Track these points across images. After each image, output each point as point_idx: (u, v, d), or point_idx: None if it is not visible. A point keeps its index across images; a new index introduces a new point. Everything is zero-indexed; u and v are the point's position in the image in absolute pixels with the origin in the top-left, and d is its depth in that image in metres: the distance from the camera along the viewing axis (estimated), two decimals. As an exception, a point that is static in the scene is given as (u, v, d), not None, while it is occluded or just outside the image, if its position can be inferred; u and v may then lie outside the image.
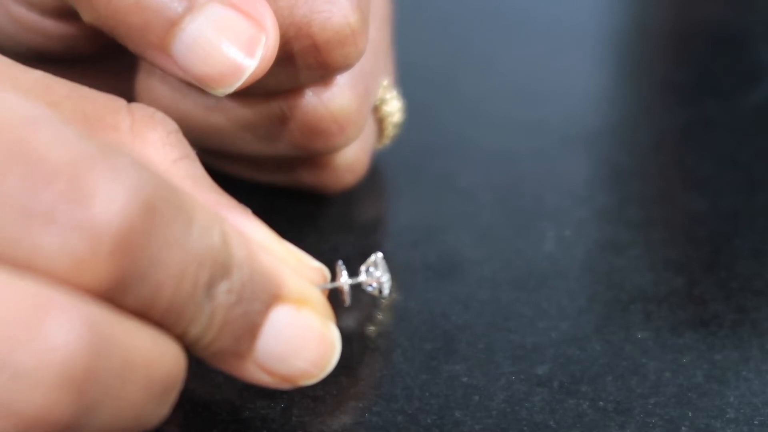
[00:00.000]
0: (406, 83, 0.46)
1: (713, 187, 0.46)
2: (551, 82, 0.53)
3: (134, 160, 0.27)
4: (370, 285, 0.37)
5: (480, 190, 0.46)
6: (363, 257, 0.37)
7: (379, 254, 0.36)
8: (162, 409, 0.28)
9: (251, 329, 0.30)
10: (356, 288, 0.37)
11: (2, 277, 0.25)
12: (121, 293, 0.27)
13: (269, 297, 0.30)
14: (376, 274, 0.36)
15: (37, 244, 0.25)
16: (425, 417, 0.35)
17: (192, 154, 0.33)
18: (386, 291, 0.37)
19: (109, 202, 0.26)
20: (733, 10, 0.60)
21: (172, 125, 0.32)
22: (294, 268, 0.32)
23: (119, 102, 0.32)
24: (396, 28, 0.45)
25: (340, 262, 0.36)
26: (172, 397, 0.29)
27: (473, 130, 0.49)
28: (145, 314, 0.28)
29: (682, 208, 0.45)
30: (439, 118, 0.50)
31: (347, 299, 0.36)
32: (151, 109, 0.32)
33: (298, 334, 0.31)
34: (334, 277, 0.35)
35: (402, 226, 0.44)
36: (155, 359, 0.27)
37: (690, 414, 0.35)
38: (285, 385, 0.32)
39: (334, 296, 0.35)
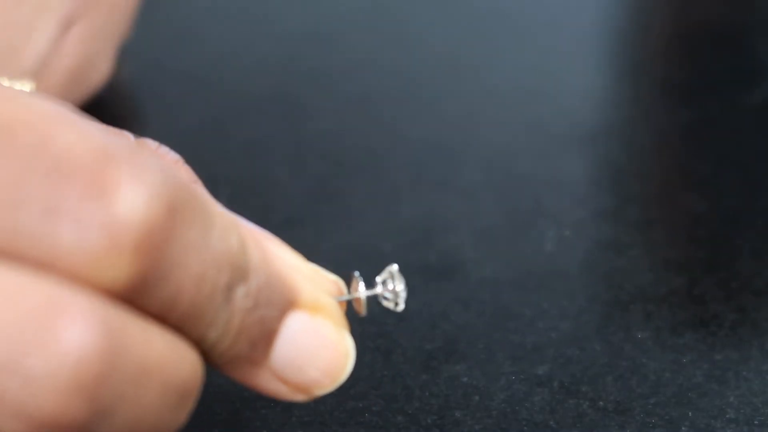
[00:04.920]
0: (406, 83, 0.46)
1: (713, 187, 0.46)
2: (551, 82, 0.53)
3: (157, 159, 0.27)
4: (386, 297, 0.36)
5: (480, 190, 0.45)
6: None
7: (395, 266, 0.36)
8: (179, 417, 0.28)
9: (267, 335, 0.30)
10: (371, 300, 0.36)
11: (17, 276, 0.25)
12: (141, 294, 0.26)
13: (285, 302, 0.30)
14: (392, 286, 0.36)
15: (57, 241, 0.25)
16: (425, 417, 0.35)
17: (194, 179, 0.33)
18: (402, 304, 0.36)
19: (132, 199, 0.26)
20: (733, 10, 0.60)
21: (174, 157, 0.33)
22: (309, 277, 0.32)
23: (125, 135, 0.32)
24: (396, 27, 0.45)
25: (356, 274, 0.36)
26: (190, 404, 0.28)
27: (473, 130, 0.49)
28: (163, 318, 0.27)
29: (682, 208, 0.45)
30: (439, 118, 0.50)
31: (363, 310, 0.35)
32: (154, 144, 0.33)
33: (313, 342, 0.31)
34: (349, 287, 0.35)
35: (402, 226, 0.44)
36: (172, 365, 0.27)
37: (690, 414, 0.35)
38: (299, 396, 0.31)
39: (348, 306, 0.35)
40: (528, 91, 0.53)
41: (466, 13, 0.59)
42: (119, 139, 0.27)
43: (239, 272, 0.28)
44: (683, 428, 0.35)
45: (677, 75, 0.55)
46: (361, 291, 0.35)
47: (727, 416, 0.35)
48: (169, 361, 0.27)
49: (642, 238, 0.43)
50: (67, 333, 0.25)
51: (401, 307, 0.36)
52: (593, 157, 0.49)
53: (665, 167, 0.49)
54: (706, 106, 0.51)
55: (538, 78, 0.54)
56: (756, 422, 0.35)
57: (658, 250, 0.43)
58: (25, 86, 0.43)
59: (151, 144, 0.32)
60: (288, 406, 0.35)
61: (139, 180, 0.26)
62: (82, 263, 0.25)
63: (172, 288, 0.27)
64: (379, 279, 0.36)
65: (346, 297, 0.34)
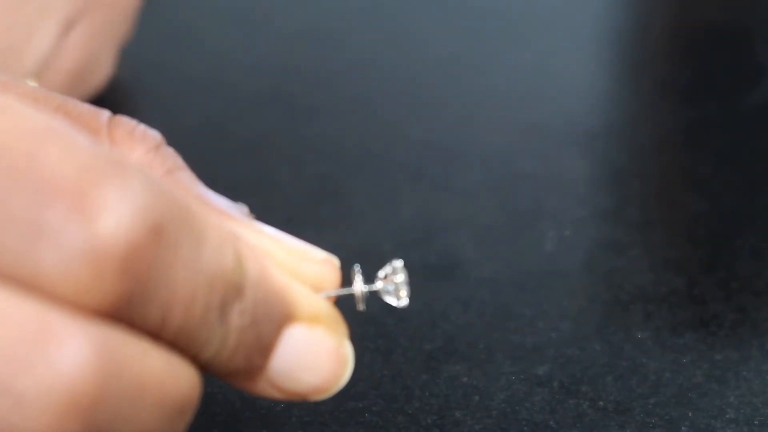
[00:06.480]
0: (406, 83, 0.46)
1: (713, 187, 0.46)
2: (551, 82, 0.53)
3: (145, 176, 0.26)
4: (388, 293, 0.36)
5: (480, 190, 0.46)
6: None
7: (399, 261, 0.36)
8: (177, 430, 0.28)
9: (264, 350, 0.30)
10: (373, 295, 0.36)
11: (6, 297, 0.25)
12: (129, 314, 0.26)
13: (282, 317, 0.30)
14: (394, 281, 0.36)
15: (41, 263, 0.25)
16: (425, 417, 0.35)
17: (176, 163, 0.32)
18: (405, 300, 0.36)
19: (116, 221, 0.25)
20: (733, 10, 0.60)
21: (153, 140, 0.32)
22: (296, 269, 0.32)
23: (101, 118, 0.32)
24: (396, 27, 0.45)
25: (356, 267, 0.35)
26: (188, 417, 0.28)
27: (473, 130, 0.49)
28: (156, 336, 0.27)
29: (682, 208, 0.45)
30: (439, 118, 0.50)
31: (361, 306, 0.35)
32: (131, 125, 0.32)
33: (311, 354, 0.31)
34: (349, 282, 0.35)
35: (402, 226, 0.44)
36: (169, 381, 0.27)
37: (690, 414, 0.35)
38: (296, 400, 0.31)
39: (349, 300, 0.35)
40: (528, 91, 0.53)
41: (466, 13, 0.59)
42: (108, 153, 0.26)
43: (234, 289, 0.28)
44: (683, 428, 0.35)
45: (677, 75, 0.55)
46: (361, 286, 0.35)
47: (727, 416, 0.35)
48: (165, 377, 0.27)
49: (642, 238, 0.43)
50: (59, 353, 0.24)
51: (404, 302, 0.35)
52: (593, 157, 0.49)
53: (665, 167, 0.49)
54: (706, 106, 0.51)
55: (537, 78, 0.54)
56: (756, 422, 0.35)
57: (658, 250, 0.43)
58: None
59: (128, 122, 0.32)
60: (288, 407, 0.35)
61: (124, 200, 0.25)
62: (66, 286, 0.25)
63: (160, 309, 0.26)
64: (380, 274, 0.36)
65: (345, 291, 0.34)
